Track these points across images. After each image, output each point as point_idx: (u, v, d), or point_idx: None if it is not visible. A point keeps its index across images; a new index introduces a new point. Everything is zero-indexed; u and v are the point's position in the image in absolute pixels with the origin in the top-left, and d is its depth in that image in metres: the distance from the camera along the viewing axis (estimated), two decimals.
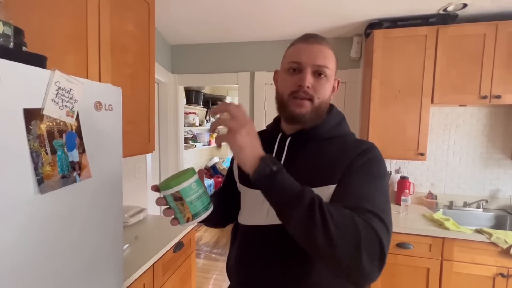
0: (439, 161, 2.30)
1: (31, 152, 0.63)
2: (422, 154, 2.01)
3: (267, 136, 0.89)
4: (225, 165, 4.74)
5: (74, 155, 0.74)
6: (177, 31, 2.42)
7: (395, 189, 2.30)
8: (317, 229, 0.55)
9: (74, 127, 0.74)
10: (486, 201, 2.17)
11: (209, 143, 4.33)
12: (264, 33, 2.38)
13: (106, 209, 0.92)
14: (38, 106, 0.65)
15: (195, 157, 4.49)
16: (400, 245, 1.78)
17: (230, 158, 1.03)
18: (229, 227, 0.96)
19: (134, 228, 1.75)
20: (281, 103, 0.80)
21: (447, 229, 1.75)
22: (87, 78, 1.03)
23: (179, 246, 1.66)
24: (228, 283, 0.92)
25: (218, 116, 0.62)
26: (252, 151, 0.60)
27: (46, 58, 0.79)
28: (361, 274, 0.56)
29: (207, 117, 4.40)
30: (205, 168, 4.75)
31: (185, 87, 3.27)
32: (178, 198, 0.62)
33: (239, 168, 0.92)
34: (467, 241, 1.72)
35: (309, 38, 0.77)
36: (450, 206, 2.22)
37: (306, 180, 0.73)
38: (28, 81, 0.64)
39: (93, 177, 0.83)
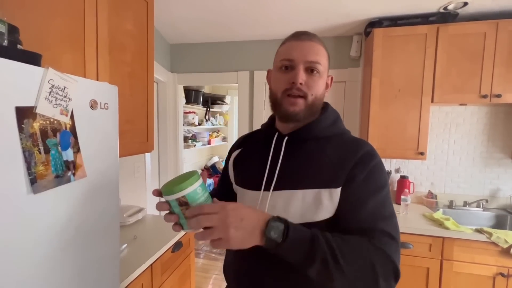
0: (439, 160, 2.29)
1: (24, 151, 0.62)
2: (422, 154, 2.00)
3: (263, 136, 0.88)
4: None
5: (68, 154, 0.73)
6: (176, 30, 2.41)
7: (395, 189, 2.29)
8: (334, 275, 0.60)
9: (68, 126, 0.74)
10: (486, 201, 2.16)
11: (209, 142, 4.32)
12: (263, 32, 2.37)
13: (102, 209, 0.91)
14: (31, 104, 0.64)
15: (195, 157, 4.48)
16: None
17: (225, 158, 1.02)
18: None
19: (132, 227, 1.74)
20: (275, 102, 0.79)
21: (447, 228, 1.74)
22: (84, 77, 1.02)
23: (178, 246, 1.65)
24: None
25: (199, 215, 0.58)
26: (249, 237, 0.58)
27: (41, 56, 0.78)
28: None
29: (207, 116, 4.39)
30: (204, 168, 4.74)
31: (184, 86, 3.26)
32: (183, 203, 0.59)
33: (235, 169, 0.92)
34: (467, 240, 1.71)
35: (300, 35, 0.76)
36: (450, 205, 2.21)
37: (305, 180, 0.73)
38: (21, 79, 0.63)
39: (88, 177, 0.82)
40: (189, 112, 3.94)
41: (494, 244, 1.67)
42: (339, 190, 0.70)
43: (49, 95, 0.67)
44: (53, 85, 0.67)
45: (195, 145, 3.89)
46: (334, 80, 0.86)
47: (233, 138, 4.90)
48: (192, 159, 4.35)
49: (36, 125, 0.65)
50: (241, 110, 2.66)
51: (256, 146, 0.90)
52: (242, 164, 0.91)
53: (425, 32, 1.93)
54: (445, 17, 1.92)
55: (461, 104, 2.12)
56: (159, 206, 0.63)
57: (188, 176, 0.60)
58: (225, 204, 0.58)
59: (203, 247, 3.53)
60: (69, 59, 1.13)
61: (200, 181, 0.62)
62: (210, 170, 4.68)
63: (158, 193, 0.64)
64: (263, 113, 2.56)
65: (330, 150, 0.76)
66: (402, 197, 2.05)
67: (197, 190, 0.60)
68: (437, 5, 1.84)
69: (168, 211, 0.64)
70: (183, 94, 3.10)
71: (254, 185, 0.81)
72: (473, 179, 2.24)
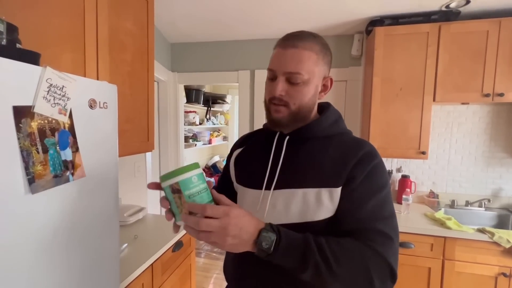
0: (441, 159, 2.28)
1: (22, 151, 0.61)
2: (423, 153, 1.99)
3: (264, 135, 0.88)
4: None
5: (67, 154, 0.73)
6: (176, 29, 2.41)
7: (397, 188, 2.28)
8: (327, 279, 0.61)
9: (67, 125, 0.73)
10: (489, 200, 2.15)
11: (210, 142, 4.32)
12: (264, 30, 2.36)
13: (102, 209, 0.91)
14: (29, 103, 0.64)
15: (195, 156, 4.48)
16: (401, 245, 1.77)
17: (226, 157, 1.01)
18: None
19: (133, 227, 1.74)
20: (265, 107, 0.82)
21: (448, 228, 1.73)
22: (85, 77, 1.01)
23: (178, 245, 1.65)
24: None
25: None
26: (243, 245, 0.60)
27: (39, 55, 0.78)
28: None
29: (207, 116, 4.39)
30: (205, 167, 4.74)
31: (185, 86, 3.25)
32: (176, 190, 0.58)
33: (236, 168, 0.91)
34: (469, 240, 1.70)
35: (285, 42, 0.75)
36: (452, 205, 2.19)
37: (306, 179, 0.73)
38: (18, 78, 0.63)
39: (88, 177, 0.82)
40: (190, 112, 3.94)
41: (496, 244, 1.66)
42: (339, 190, 0.70)
43: (47, 94, 0.66)
44: (51, 84, 0.67)
45: (196, 145, 3.89)
46: (335, 79, 0.85)
47: (234, 138, 4.89)
48: (193, 158, 4.35)
49: (34, 125, 0.64)
50: (242, 110, 2.65)
51: (257, 145, 0.90)
52: (243, 163, 0.91)
53: (427, 31, 1.92)
54: (447, 15, 1.91)
55: (463, 103, 2.11)
56: (161, 201, 0.63)
57: (188, 166, 0.60)
58: (228, 211, 0.57)
59: (204, 246, 3.53)
60: (69, 58, 1.13)
61: (198, 171, 0.61)
62: (211, 169, 4.68)
63: (154, 186, 0.64)
64: (263, 113, 2.54)
65: (331, 150, 0.75)
66: (404, 196, 2.04)
67: (192, 179, 0.59)
68: (439, 3, 1.83)
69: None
70: (183, 94, 3.09)
71: (255, 184, 0.81)
72: (475, 178, 2.22)
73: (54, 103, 0.68)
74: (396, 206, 2.15)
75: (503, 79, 1.84)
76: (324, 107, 0.85)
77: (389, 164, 2.37)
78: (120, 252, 1.38)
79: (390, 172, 2.34)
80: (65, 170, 0.73)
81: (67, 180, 0.74)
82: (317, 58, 0.74)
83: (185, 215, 0.57)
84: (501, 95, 1.84)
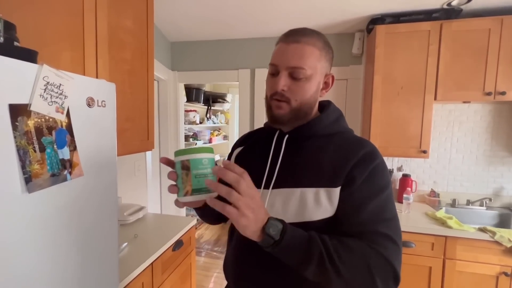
0: (442, 158, 2.27)
1: (18, 150, 0.61)
2: (424, 152, 1.98)
3: (264, 133, 0.88)
4: None
5: (64, 153, 0.72)
6: (176, 28, 2.40)
7: (397, 187, 2.28)
8: (331, 277, 0.60)
9: (64, 124, 0.72)
10: (490, 199, 2.14)
11: (210, 140, 4.31)
12: (264, 29, 2.35)
13: (100, 209, 0.90)
14: (26, 102, 0.63)
15: None
16: (402, 244, 1.76)
17: (227, 156, 1.01)
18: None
19: (133, 226, 1.73)
20: (266, 104, 0.80)
21: (449, 227, 1.73)
22: (84, 75, 1.01)
23: (178, 244, 1.64)
24: None
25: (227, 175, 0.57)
26: (255, 227, 0.58)
27: (37, 53, 0.77)
28: None
29: (208, 115, 4.38)
30: None
31: (185, 85, 3.25)
32: (185, 167, 0.60)
33: None
34: (470, 239, 1.69)
35: (288, 37, 0.74)
36: (453, 204, 2.19)
37: (304, 178, 0.72)
38: (14, 76, 0.62)
39: (86, 176, 0.81)
40: (190, 111, 3.93)
41: (498, 243, 1.65)
42: (338, 190, 0.69)
43: (44, 92, 0.65)
44: (48, 82, 0.66)
45: (196, 144, 3.88)
46: (335, 78, 0.84)
47: (234, 137, 4.89)
48: None
49: (31, 123, 0.64)
50: (242, 108, 2.65)
51: (258, 144, 0.89)
52: (243, 161, 0.90)
53: (428, 29, 1.90)
54: (448, 13, 1.89)
55: (464, 102, 2.10)
56: (169, 174, 0.65)
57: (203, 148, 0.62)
58: (252, 185, 0.59)
59: (204, 245, 3.53)
60: (68, 56, 1.12)
61: (211, 155, 0.62)
62: None
63: (166, 160, 0.66)
64: (264, 111, 2.54)
65: (331, 149, 0.74)
66: (404, 195, 2.04)
67: (202, 161, 0.60)
68: (441, 1, 1.81)
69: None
70: (184, 92, 3.09)
71: (255, 183, 0.80)
72: (476, 177, 2.21)
73: (51, 101, 0.67)
74: (397, 205, 2.12)
75: (505, 77, 1.82)
76: (325, 105, 0.84)
77: (390, 163, 2.36)
78: (120, 251, 1.38)
79: (391, 171, 2.34)
80: (62, 169, 0.72)
81: (65, 179, 0.74)
82: (319, 54, 0.74)
83: (215, 183, 0.56)
84: (503, 93, 1.82)
